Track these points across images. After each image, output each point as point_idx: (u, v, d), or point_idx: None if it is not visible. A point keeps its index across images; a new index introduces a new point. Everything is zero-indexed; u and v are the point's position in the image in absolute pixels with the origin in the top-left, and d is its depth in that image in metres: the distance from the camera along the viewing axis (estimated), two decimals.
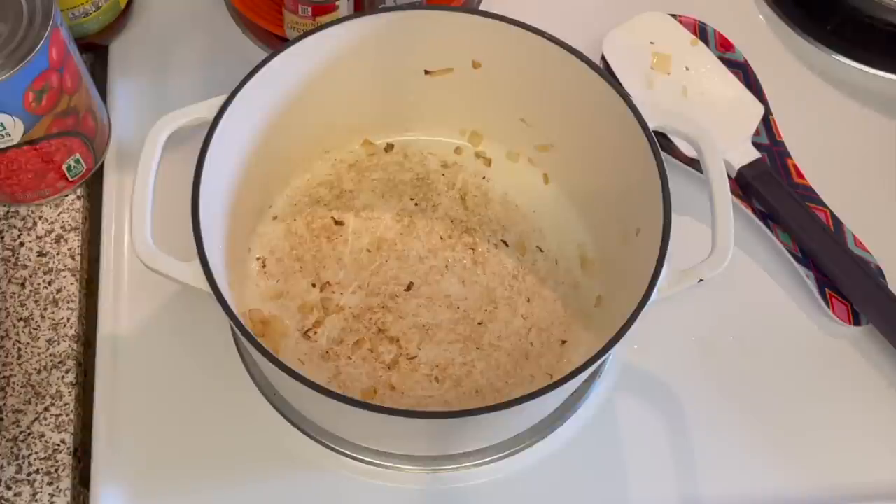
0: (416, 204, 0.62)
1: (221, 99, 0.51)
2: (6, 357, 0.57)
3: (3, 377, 0.56)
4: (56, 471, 0.54)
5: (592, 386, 0.58)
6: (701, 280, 0.50)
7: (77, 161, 0.60)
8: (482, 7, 0.71)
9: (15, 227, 0.60)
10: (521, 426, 0.56)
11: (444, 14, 0.56)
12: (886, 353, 0.61)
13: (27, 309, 0.58)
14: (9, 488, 0.53)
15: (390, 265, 0.60)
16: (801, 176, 0.65)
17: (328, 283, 0.59)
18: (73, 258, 0.60)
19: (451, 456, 0.56)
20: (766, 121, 0.67)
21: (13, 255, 0.60)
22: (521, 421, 0.55)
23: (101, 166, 0.63)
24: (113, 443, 0.55)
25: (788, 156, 0.66)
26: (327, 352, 0.57)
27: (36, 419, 0.55)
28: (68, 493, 0.53)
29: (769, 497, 0.56)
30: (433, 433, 0.53)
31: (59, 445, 0.54)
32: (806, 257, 0.62)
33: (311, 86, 0.57)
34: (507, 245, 0.61)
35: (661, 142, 0.52)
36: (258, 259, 0.59)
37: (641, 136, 0.52)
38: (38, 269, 0.59)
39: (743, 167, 0.64)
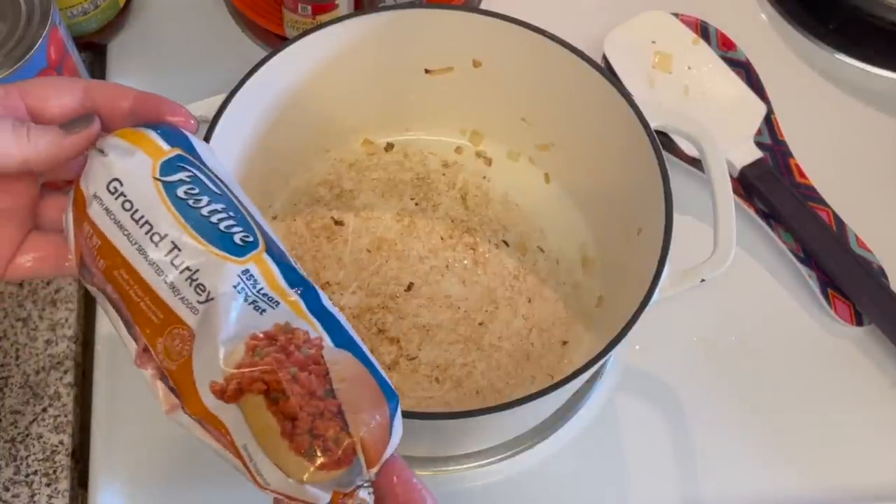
0: (416, 204, 0.62)
1: (221, 98, 0.51)
2: (4, 357, 0.56)
3: (1, 378, 0.56)
4: (54, 472, 0.54)
5: (594, 387, 0.58)
6: (703, 280, 0.50)
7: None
8: (483, 5, 0.71)
9: None
10: (522, 427, 0.56)
11: (444, 13, 0.56)
12: (888, 353, 0.60)
13: (25, 309, 0.58)
14: (7, 489, 0.53)
15: (390, 265, 0.59)
16: (803, 176, 0.65)
17: (328, 283, 0.58)
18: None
19: (451, 457, 0.55)
20: (769, 120, 0.67)
21: None
22: (522, 422, 0.55)
23: None
24: (111, 444, 0.55)
25: (791, 155, 0.66)
26: None
27: (34, 420, 0.55)
28: (66, 494, 0.53)
29: (770, 498, 0.56)
30: (434, 434, 0.52)
31: (57, 447, 0.54)
32: (808, 257, 0.62)
33: (311, 85, 0.56)
34: (507, 245, 0.61)
35: (662, 141, 0.52)
36: None
37: (643, 136, 0.51)
38: None
39: (745, 167, 0.64)
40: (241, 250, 0.36)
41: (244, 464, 0.34)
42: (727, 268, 0.50)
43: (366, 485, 0.34)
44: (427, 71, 0.60)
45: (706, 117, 0.63)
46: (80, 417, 0.56)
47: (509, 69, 0.58)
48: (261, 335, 0.34)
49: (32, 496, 0.53)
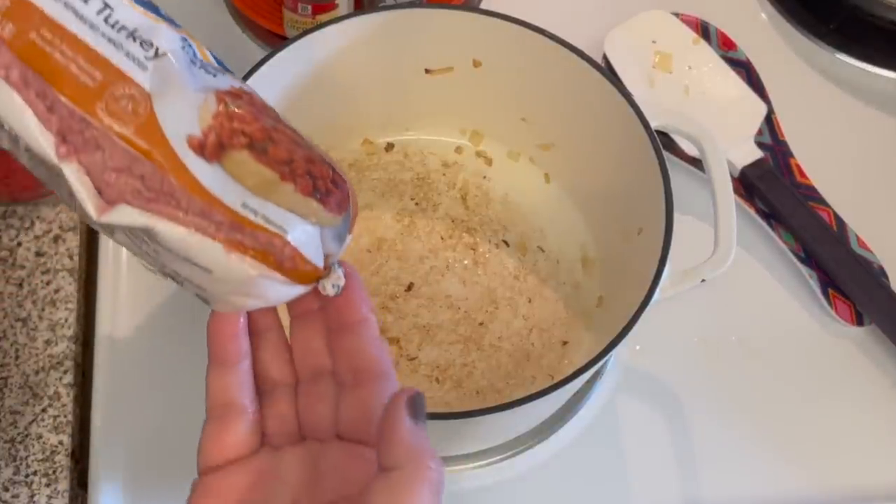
0: (416, 204, 0.62)
1: None
2: (4, 358, 0.56)
3: (1, 378, 0.56)
4: (54, 472, 0.53)
5: (594, 387, 0.58)
6: (703, 280, 0.50)
7: None
8: (483, 5, 0.71)
9: (13, 226, 0.60)
10: (523, 427, 0.56)
11: (444, 12, 0.56)
12: (889, 353, 0.60)
13: (25, 309, 0.58)
14: (6, 490, 0.53)
15: (390, 265, 0.59)
16: (803, 175, 0.65)
17: None
18: (71, 258, 0.59)
19: (451, 457, 0.55)
20: (769, 120, 0.67)
21: (11, 255, 0.59)
22: (523, 422, 0.55)
23: None
24: (111, 444, 0.55)
25: (791, 155, 0.66)
26: None
27: (34, 420, 0.55)
28: (66, 494, 0.53)
29: (771, 497, 0.56)
30: (433, 434, 0.52)
31: (56, 447, 0.54)
32: (809, 257, 0.62)
33: (311, 85, 0.56)
34: (507, 245, 0.60)
35: (662, 141, 0.52)
36: None
37: (643, 136, 0.51)
38: (36, 269, 0.59)
39: (746, 167, 0.64)
40: (172, 22, 0.33)
41: (245, 221, 0.30)
42: (727, 268, 0.50)
43: (338, 265, 0.33)
44: (427, 71, 0.60)
45: (706, 117, 0.63)
46: (79, 417, 0.56)
47: (509, 69, 0.58)
48: (224, 91, 0.32)
49: (32, 496, 0.53)
